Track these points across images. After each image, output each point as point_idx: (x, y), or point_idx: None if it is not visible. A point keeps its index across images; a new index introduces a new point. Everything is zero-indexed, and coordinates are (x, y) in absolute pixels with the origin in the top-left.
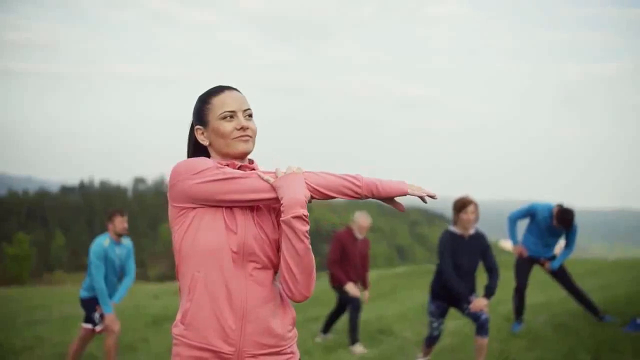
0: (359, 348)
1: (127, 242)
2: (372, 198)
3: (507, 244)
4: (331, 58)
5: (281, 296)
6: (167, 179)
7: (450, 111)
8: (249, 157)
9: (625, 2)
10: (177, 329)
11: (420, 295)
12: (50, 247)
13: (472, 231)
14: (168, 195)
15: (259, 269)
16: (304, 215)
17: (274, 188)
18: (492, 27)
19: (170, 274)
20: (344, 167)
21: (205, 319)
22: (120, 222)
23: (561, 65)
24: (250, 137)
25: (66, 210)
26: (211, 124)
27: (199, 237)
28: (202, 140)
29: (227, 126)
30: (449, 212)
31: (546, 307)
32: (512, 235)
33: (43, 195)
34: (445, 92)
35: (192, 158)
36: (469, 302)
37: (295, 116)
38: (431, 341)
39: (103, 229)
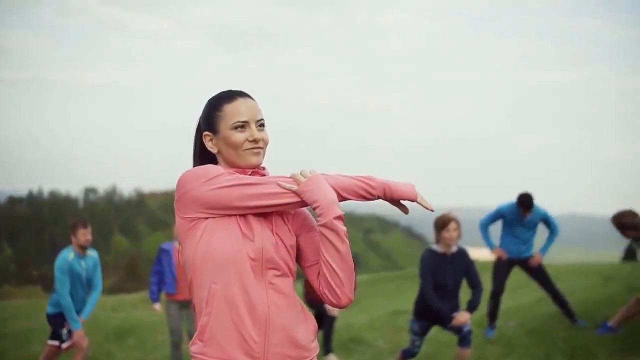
0: (333, 358)
1: (92, 254)
2: (383, 199)
3: (476, 252)
4: (285, 66)
5: (302, 305)
6: (119, 188)
7: (406, 120)
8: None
9: (576, 13)
10: (195, 347)
11: (384, 302)
12: None
13: (454, 249)
14: (175, 207)
15: (278, 276)
16: (342, 215)
17: (294, 193)
18: (446, 36)
19: (125, 286)
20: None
21: (226, 333)
22: (83, 234)
23: (513, 74)
24: (262, 148)
25: (13, 222)
26: (222, 133)
27: (214, 247)
28: (211, 147)
29: (239, 137)
30: (404, 221)
31: (517, 312)
32: (487, 241)
33: None
34: (400, 101)
35: (200, 166)
36: (451, 320)
37: None
38: (409, 355)
39: (52, 241)
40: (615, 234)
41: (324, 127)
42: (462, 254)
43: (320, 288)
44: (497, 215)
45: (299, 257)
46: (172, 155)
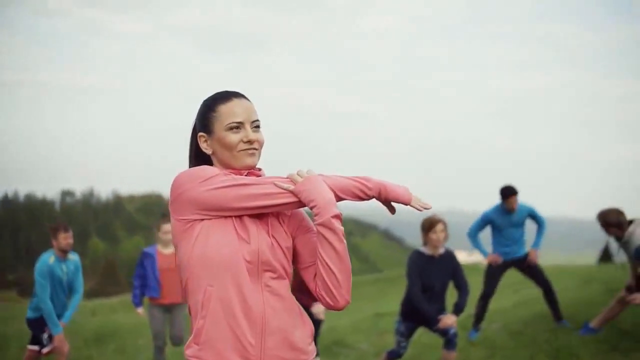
0: None
1: (73, 257)
2: (378, 199)
3: (460, 255)
4: (265, 70)
5: (299, 308)
6: (96, 191)
7: (386, 124)
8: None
9: (555, 19)
10: (190, 350)
11: (366, 305)
12: None
13: (441, 250)
14: (170, 209)
15: (274, 278)
16: (340, 214)
17: (291, 193)
18: (426, 41)
19: (102, 290)
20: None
21: (221, 336)
22: (65, 238)
23: (494, 78)
24: (257, 149)
25: None
26: (216, 134)
27: (210, 250)
28: (205, 148)
29: (234, 138)
30: (382, 224)
31: (499, 315)
32: (479, 249)
33: None
34: (381, 104)
35: (195, 167)
36: (437, 322)
37: None
38: (395, 356)
39: (28, 245)
40: (592, 236)
41: (304, 130)
42: (449, 256)
43: (317, 290)
44: (484, 221)
45: (295, 259)
46: (151, 158)
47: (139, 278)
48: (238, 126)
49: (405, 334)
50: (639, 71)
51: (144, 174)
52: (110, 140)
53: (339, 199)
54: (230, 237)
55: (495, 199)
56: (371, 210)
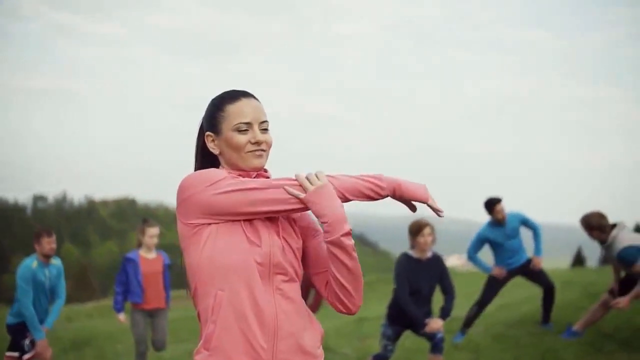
0: None
1: (56, 262)
2: (393, 198)
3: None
4: (239, 75)
5: (308, 310)
6: (69, 195)
7: (358, 129)
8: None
9: (525, 26)
10: (200, 356)
11: None
12: None
13: (429, 254)
14: (177, 212)
15: (286, 281)
16: (351, 230)
17: (300, 200)
18: (400, 47)
19: (76, 296)
20: None
21: (233, 340)
22: (48, 243)
23: (466, 85)
24: (265, 151)
25: None
26: (224, 134)
27: (219, 253)
28: (213, 148)
29: (242, 139)
30: (356, 229)
31: (481, 318)
32: (482, 267)
33: None
34: (355, 111)
35: (202, 170)
36: (424, 326)
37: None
38: (381, 359)
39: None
40: (564, 241)
41: (277, 135)
42: (436, 259)
43: (329, 298)
44: (479, 240)
45: (305, 264)
46: (125, 162)
47: (121, 284)
48: (246, 127)
49: (392, 338)
50: (610, 77)
51: (117, 178)
52: (83, 144)
53: (348, 200)
54: (240, 239)
55: (470, 205)
56: (354, 217)
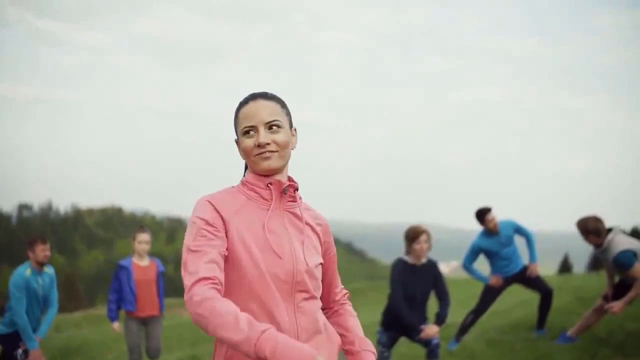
0: None
1: (49, 270)
2: None
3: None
4: (224, 82)
5: (326, 325)
6: (55, 204)
7: (342, 137)
8: (293, 178)
9: (509, 34)
10: None
11: None
12: None
13: (424, 260)
14: None
15: (307, 299)
16: None
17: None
18: (384, 54)
19: (63, 305)
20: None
21: (247, 358)
22: (42, 250)
23: (450, 93)
24: (274, 151)
25: None
26: (239, 139)
27: (240, 269)
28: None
29: (248, 143)
30: (344, 237)
31: (475, 324)
32: (479, 277)
33: None
34: (336, 118)
35: (197, 203)
36: (419, 332)
37: (186, 139)
38: None
39: None
40: (550, 247)
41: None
42: (431, 265)
43: None
44: (473, 251)
45: None
46: (110, 171)
47: (115, 292)
48: (250, 130)
49: (388, 344)
50: (594, 85)
51: (103, 186)
52: (69, 152)
53: None
54: (263, 256)
55: (457, 213)
56: (333, 223)
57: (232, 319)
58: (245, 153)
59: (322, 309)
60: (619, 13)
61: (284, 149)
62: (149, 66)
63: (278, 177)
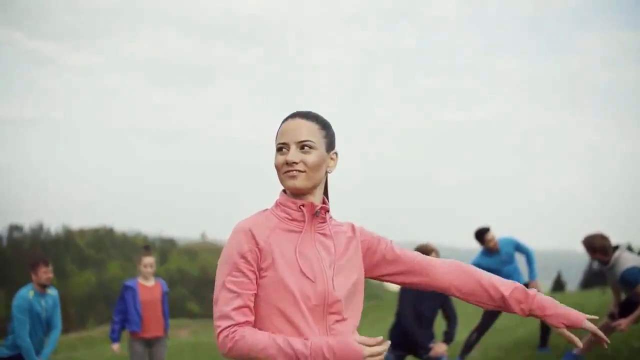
0: None
1: (52, 292)
2: None
3: None
4: (216, 102)
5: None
6: (45, 225)
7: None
8: (326, 199)
9: (499, 54)
10: None
11: None
12: None
13: None
14: None
15: (339, 321)
16: None
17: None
18: (376, 74)
19: None
20: (225, 209)
21: None
22: (45, 272)
23: (441, 111)
24: (301, 171)
25: None
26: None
27: (271, 291)
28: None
29: (279, 160)
30: None
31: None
32: None
33: None
34: None
35: (242, 226)
36: (428, 350)
37: (178, 159)
38: None
39: None
40: (542, 266)
41: (255, 162)
42: None
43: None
44: None
45: (381, 270)
46: (102, 191)
47: (120, 312)
48: (282, 147)
49: None
50: (584, 103)
51: (94, 206)
52: (59, 173)
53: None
54: (294, 277)
55: (446, 232)
56: None
57: (271, 342)
58: (276, 170)
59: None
60: (606, 34)
61: (312, 170)
62: (140, 86)
63: (311, 198)
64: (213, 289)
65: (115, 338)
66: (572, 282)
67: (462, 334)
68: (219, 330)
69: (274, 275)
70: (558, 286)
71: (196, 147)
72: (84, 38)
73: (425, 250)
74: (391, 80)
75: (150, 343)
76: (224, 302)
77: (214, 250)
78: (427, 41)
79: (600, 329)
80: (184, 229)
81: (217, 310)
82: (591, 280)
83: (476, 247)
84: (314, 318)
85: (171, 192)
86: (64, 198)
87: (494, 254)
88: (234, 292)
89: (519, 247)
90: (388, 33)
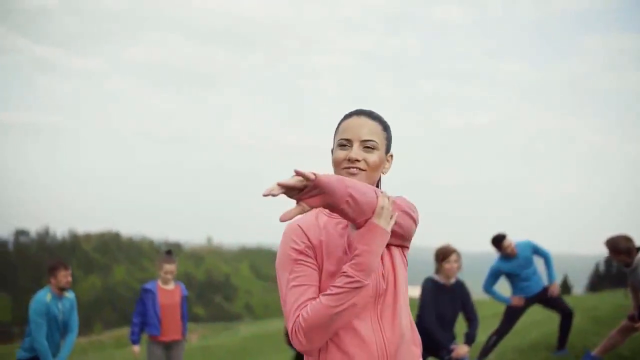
0: None
1: (69, 295)
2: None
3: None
4: (218, 107)
5: (412, 333)
6: (52, 229)
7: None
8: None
9: (500, 58)
10: None
11: None
12: None
13: (453, 280)
14: None
15: (390, 308)
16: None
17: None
18: (378, 78)
19: None
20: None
21: None
22: (64, 276)
23: (443, 115)
24: (362, 170)
25: None
26: (334, 150)
27: (322, 287)
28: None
29: (339, 154)
30: None
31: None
32: (500, 298)
33: None
34: (330, 141)
35: (295, 224)
36: (450, 352)
37: (183, 164)
38: None
39: None
40: (544, 269)
41: (256, 167)
42: (460, 285)
43: None
44: (494, 275)
45: None
46: (108, 195)
47: (139, 315)
48: (345, 143)
49: None
50: (585, 108)
51: (100, 211)
52: (65, 177)
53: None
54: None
55: (448, 236)
56: None
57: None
58: (334, 164)
59: None
60: (609, 38)
61: (372, 170)
62: (144, 91)
63: None
64: (218, 292)
65: (135, 340)
66: (577, 285)
67: (480, 337)
68: (290, 322)
69: (326, 270)
70: (565, 289)
71: (199, 151)
72: (86, 43)
73: (446, 251)
74: (393, 85)
75: (168, 346)
76: (292, 300)
77: (220, 254)
78: (429, 45)
79: (619, 330)
80: (189, 233)
81: (286, 310)
82: (598, 283)
83: (478, 250)
84: (366, 309)
85: (177, 197)
86: (69, 203)
87: (513, 258)
88: (300, 285)
89: (536, 250)
90: (390, 38)
